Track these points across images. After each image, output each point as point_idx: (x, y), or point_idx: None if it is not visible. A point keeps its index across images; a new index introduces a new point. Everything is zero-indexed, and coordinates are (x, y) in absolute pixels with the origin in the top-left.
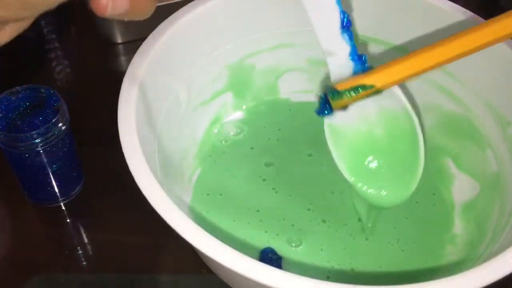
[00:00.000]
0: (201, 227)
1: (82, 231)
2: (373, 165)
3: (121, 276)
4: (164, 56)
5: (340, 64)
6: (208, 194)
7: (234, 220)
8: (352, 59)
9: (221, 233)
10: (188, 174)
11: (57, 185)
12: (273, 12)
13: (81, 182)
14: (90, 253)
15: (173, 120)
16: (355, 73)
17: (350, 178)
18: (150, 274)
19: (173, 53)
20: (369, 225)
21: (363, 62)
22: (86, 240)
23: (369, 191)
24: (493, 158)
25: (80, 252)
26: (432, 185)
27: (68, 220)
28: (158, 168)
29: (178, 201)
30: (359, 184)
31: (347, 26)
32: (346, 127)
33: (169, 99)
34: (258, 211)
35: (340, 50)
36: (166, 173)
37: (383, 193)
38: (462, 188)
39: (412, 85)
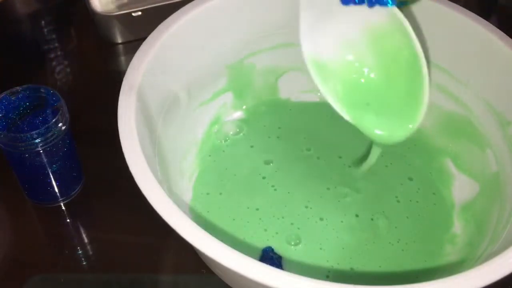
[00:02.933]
0: (201, 227)
1: (82, 231)
2: (371, 98)
3: (121, 276)
4: (164, 56)
5: None
6: (208, 194)
7: (234, 219)
8: None
9: (221, 233)
10: (188, 174)
11: (57, 185)
12: (273, 12)
13: (81, 182)
14: (90, 253)
15: (173, 120)
16: None
17: (351, 119)
18: (150, 274)
19: (173, 53)
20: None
21: None
22: (86, 240)
23: (373, 127)
24: (493, 158)
25: (80, 252)
26: (432, 185)
27: (68, 220)
28: (158, 168)
29: (178, 201)
30: (362, 123)
31: None
32: (332, 61)
33: (169, 99)
34: (257, 209)
35: None
36: (166, 173)
37: (388, 128)
38: (462, 188)
39: None
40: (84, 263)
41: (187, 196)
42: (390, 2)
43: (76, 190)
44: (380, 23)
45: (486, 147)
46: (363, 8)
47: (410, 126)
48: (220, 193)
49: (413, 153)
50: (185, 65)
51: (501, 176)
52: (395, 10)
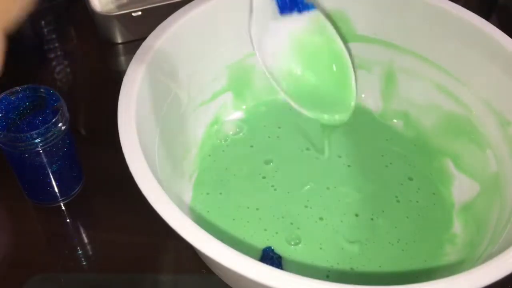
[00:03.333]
0: (201, 227)
1: (82, 231)
2: (315, 92)
3: (121, 276)
4: (164, 56)
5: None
6: (208, 193)
7: (233, 219)
8: None
9: (221, 233)
10: (188, 173)
11: (57, 185)
12: None
13: (81, 182)
14: (90, 253)
15: (173, 120)
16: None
17: (303, 110)
18: (150, 274)
19: (172, 53)
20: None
21: None
22: (86, 240)
23: (323, 115)
24: (493, 158)
25: (80, 252)
26: (432, 185)
27: (68, 220)
28: (158, 168)
29: (178, 201)
30: (312, 112)
31: None
32: (277, 67)
33: (169, 99)
34: (257, 209)
35: None
36: (166, 173)
37: (330, 113)
38: (462, 188)
39: (412, 85)
40: (84, 263)
41: (187, 196)
42: (312, 7)
43: (76, 190)
44: (309, 26)
45: (486, 147)
46: (295, 16)
47: (352, 104)
48: (220, 193)
49: (413, 153)
50: (185, 65)
51: (501, 176)
52: (317, 12)
